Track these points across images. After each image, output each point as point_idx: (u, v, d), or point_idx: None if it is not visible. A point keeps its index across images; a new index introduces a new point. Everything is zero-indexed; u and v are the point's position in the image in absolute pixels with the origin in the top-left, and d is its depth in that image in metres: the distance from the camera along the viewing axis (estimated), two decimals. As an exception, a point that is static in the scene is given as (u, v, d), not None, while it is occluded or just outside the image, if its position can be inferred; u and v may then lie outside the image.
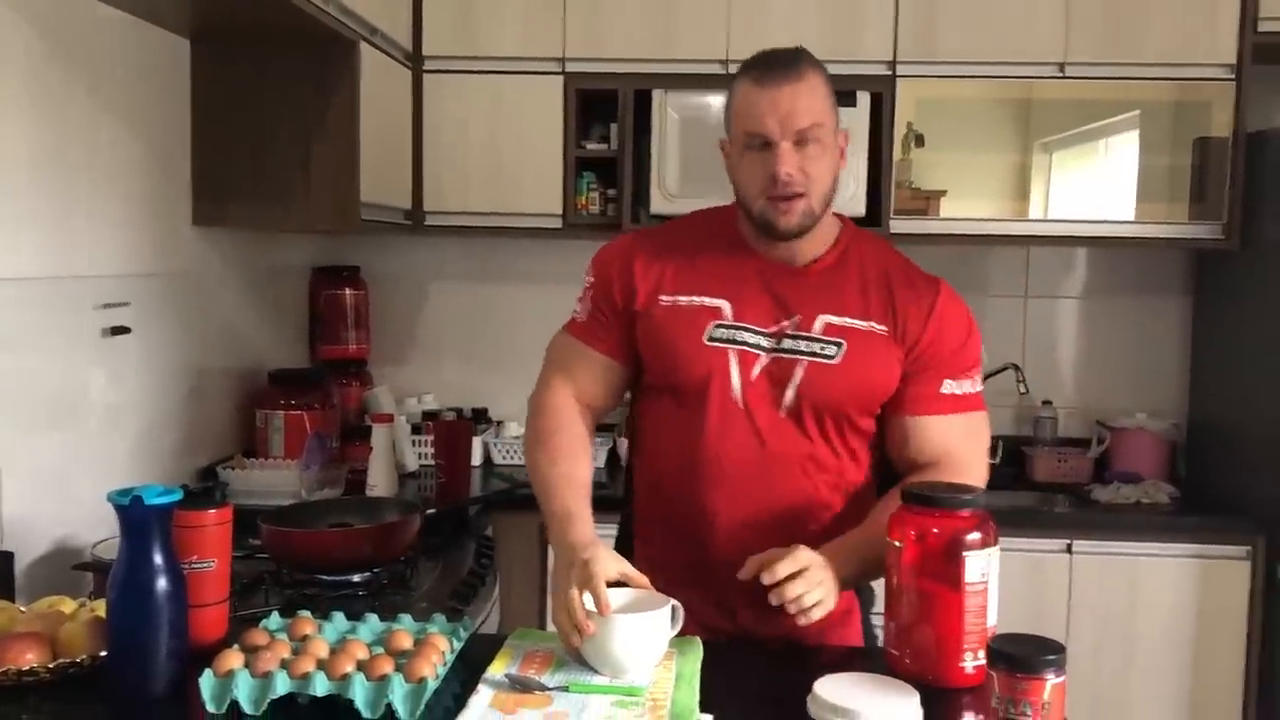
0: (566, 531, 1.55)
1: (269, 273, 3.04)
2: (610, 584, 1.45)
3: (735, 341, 1.65)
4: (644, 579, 1.49)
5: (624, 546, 1.79)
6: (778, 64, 1.61)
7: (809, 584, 1.49)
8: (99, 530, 2.05)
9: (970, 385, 1.71)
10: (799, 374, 1.64)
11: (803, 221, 1.62)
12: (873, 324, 1.66)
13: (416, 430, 3.18)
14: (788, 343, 1.65)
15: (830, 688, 1.34)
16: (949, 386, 1.68)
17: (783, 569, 1.49)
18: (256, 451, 2.81)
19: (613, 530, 1.85)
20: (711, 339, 1.65)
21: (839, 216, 1.74)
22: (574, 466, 1.66)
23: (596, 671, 1.44)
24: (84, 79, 2.12)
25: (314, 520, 2.12)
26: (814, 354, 1.64)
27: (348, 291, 3.31)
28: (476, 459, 3.17)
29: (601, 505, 1.66)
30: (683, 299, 1.68)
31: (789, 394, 1.65)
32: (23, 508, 1.92)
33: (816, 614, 1.50)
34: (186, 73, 2.52)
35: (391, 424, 2.72)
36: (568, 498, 1.60)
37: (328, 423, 2.86)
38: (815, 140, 1.59)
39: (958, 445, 1.69)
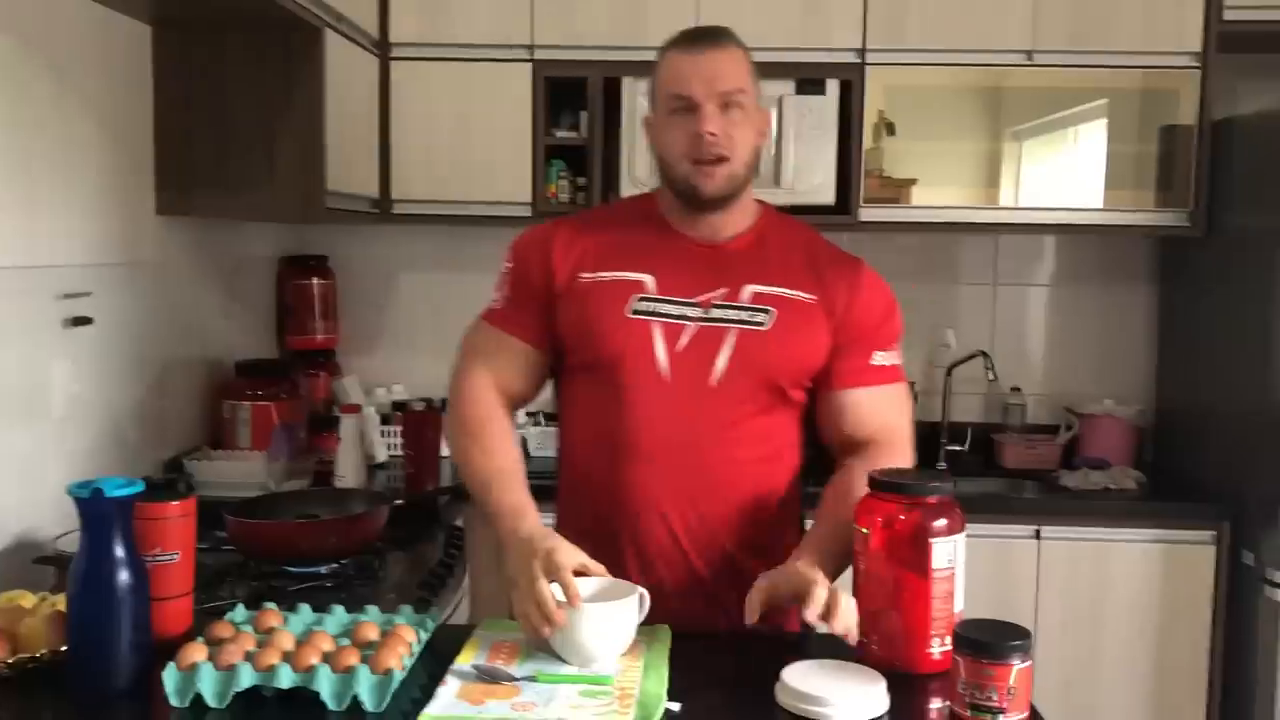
0: (520, 525, 1.53)
1: (236, 262, 3.01)
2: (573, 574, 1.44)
3: (658, 314, 1.65)
4: (601, 567, 1.49)
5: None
6: (703, 35, 1.66)
7: (848, 602, 1.45)
8: (62, 524, 2.02)
9: (896, 357, 1.74)
10: (730, 342, 1.64)
11: (726, 187, 1.64)
12: (800, 293, 1.68)
13: (386, 420, 3.16)
14: (716, 312, 1.65)
15: (798, 675, 1.34)
16: (879, 358, 1.71)
17: (821, 598, 1.43)
18: (223, 443, 2.79)
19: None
20: (635, 312, 1.65)
21: (759, 201, 1.76)
22: (510, 458, 1.65)
23: (565, 662, 1.43)
24: (44, 66, 2.08)
25: (280, 511, 2.11)
26: (744, 322, 1.65)
27: (315, 281, 3.28)
28: (445, 449, 3.14)
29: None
30: (604, 275, 1.68)
31: (720, 363, 1.64)
32: (-19, 501, 1.89)
33: (845, 627, 1.45)
34: (148, 60, 2.48)
35: (359, 414, 2.71)
36: (514, 491, 1.60)
37: (295, 413, 2.84)
38: (738, 105, 1.62)
39: (894, 419, 1.72)
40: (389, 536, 2.17)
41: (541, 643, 1.44)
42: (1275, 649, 2.68)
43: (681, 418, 1.64)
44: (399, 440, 3.03)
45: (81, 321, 2.16)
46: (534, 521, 1.55)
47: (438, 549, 2.30)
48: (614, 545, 1.65)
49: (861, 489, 1.52)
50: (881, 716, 1.31)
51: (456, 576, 2.24)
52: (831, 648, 1.47)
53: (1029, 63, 2.99)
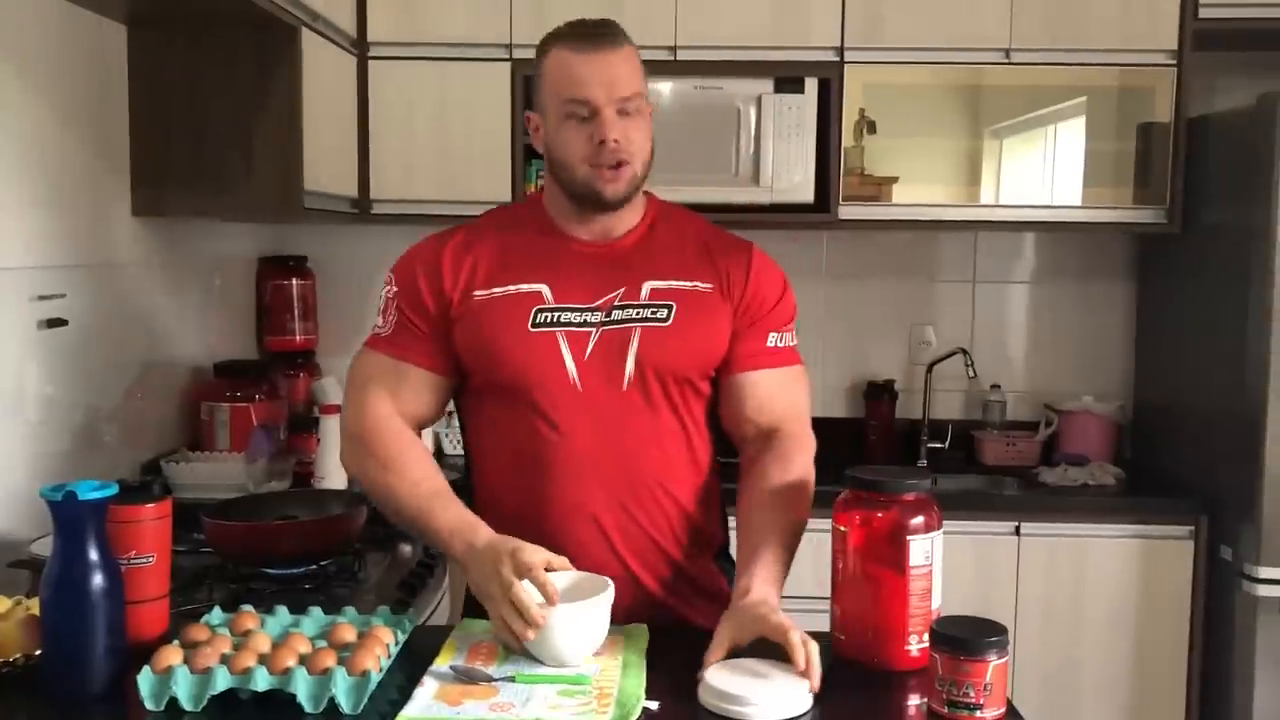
0: (474, 538, 1.50)
1: (214, 263, 2.99)
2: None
3: (561, 324, 1.62)
4: (565, 560, 1.47)
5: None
6: (596, 32, 1.60)
7: (815, 650, 1.38)
8: (39, 527, 2.01)
9: (791, 338, 1.73)
10: (634, 342, 1.62)
11: (628, 189, 1.62)
12: (697, 283, 1.66)
13: (366, 421, 3.15)
14: (617, 314, 1.63)
15: (720, 675, 1.34)
16: (774, 339, 1.70)
17: (802, 654, 1.36)
18: (202, 444, 2.77)
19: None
20: (536, 325, 1.61)
21: (645, 192, 1.72)
22: (439, 481, 1.60)
23: (541, 663, 1.42)
24: (16, 66, 2.07)
25: (259, 513, 2.10)
26: (645, 319, 1.63)
27: (294, 281, 3.26)
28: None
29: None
30: (498, 290, 1.63)
31: (629, 365, 1.62)
32: (-44, 505, 1.88)
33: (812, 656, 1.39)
34: (123, 59, 2.47)
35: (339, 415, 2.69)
36: (455, 508, 1.56)
37: (274, 414, 2.83)
38: (636, 110, 1.60)
39: (794, 400, 1.71)
40: (368, 537, 2.16)
41: (520, 648, 1.43)
42: (1253, 642, 2.70)
43: (599, 425, 1.61)
44: (379, 441, 3.02)
45: (56, 323, 2.15)
46: (487, 531, 1.51)
47: (417, 549, 2.29)
48: (533, 528, 1.60)
49: (781, 490, 1.58)
50: (803, 715, 1.30)
51: (436, 576, 2.23)
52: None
53: (1006, 61, 3.00)
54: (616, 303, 1.63)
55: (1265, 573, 2.68)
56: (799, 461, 1.65)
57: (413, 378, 1.65)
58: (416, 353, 1.65)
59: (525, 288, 1.63)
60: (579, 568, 1.52)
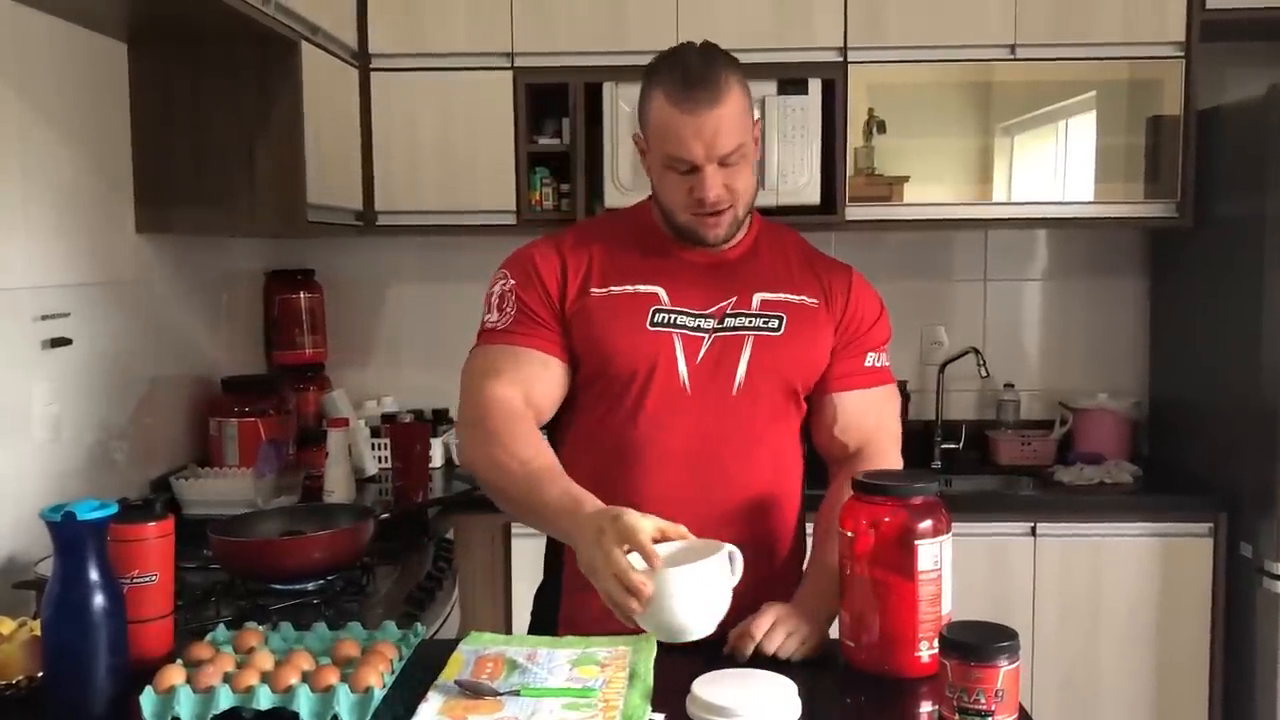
0: (579, 510, 1.42)
1: (221, 278, 3.00)
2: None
3: (677, 326, 1.62)
4: (682, 528, 1.36)
5: (556, 551, 1.75)
6: (698, 84, 1.54)
7: (784, 631, 1.48)
8: (47, 547, 2.00)
9: (886, 359, 1.74)
10: (747, 349, 1.63)
11: (729, 231, 1.63)
12: (804, 297, 1.67)
13: (376, 434, 3.15)
14: (730, 321, 1.64)
15: (707, 686, 1.32)
16: (871, 359, 1.72)
17: (756, 631, 1.48)
18: (211, 461, 2.77)
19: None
20: (654, 324, 1.62)
21: None
22: (548, 456, 1.55)
23: (661, 640, 1.36)
24: (17, 87, 2.07)
25: (266, 528, 2.09)
26: (758, 328, 1.64)
27: (303, 295, 3.26)
28: (437, 460, 3.13)
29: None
30: (615, 289, 1.63)
31: (740, 372, 1.62)
32: (-36, 526, 1.88)
33: (802, 654, 1.48)
34: (124, 77, 2.47)
35: (348, 428, 2.69)
36: (563, 483, 1.49)
37: (283, 429, 2.83)
38: (740, 158, 1.58)
39: (885, 420, 1.73)
40: (378, 550, 2.15)
41: (632, 623, 1.33)
42: (1275, 640, 2.66)
43: (702, 429, 1.62)
44: (389, 453, 3.01)
45: (61, 342, 2.14)
46: (593, 502, 1.43)
47: (427, 561, 2.28)
48: None
49: None
50: None
51: (445, 589, 2.22)
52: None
53: (1011, 57, 2.97)
54: (729, 310, 1.64)
55: (1286, 569, 2.64)
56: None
57: (534, 363, 1.63)
58: (538, 339, 1.63)
59: (643, 288, 1.63)
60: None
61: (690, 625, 1.32)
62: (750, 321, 1.64)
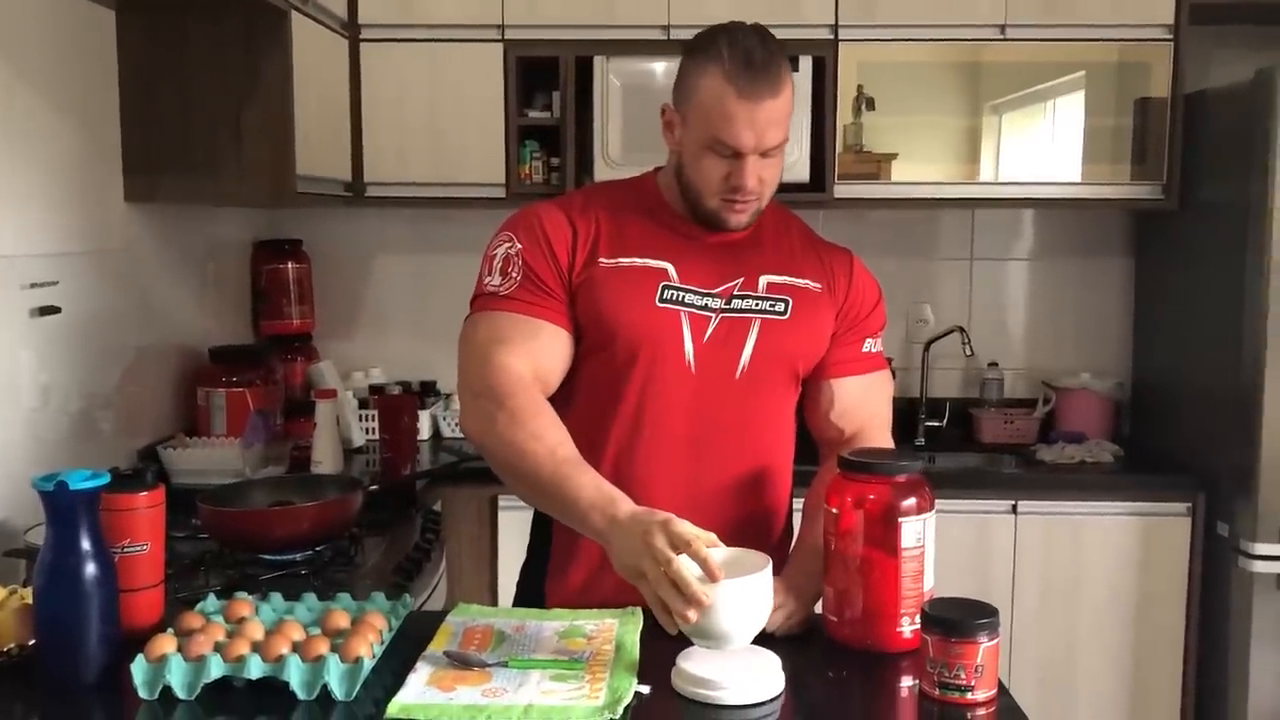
0: (616, 510, 1.39)
1: (209, 248, 2.99)
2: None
3: (685, 304, 1.61)
4: (713, 536, 1.33)
5: (542, 529, 1.75)
6: (761, 74, 1.51)
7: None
8: (35, 515, 2.01)
9: (881, 344, 1.76)
10: (754, 332, 1.63)
11: (751, 219, 1.62)
12: (808, 281, 1.68)
13: (364, 405, 3.16)
14: (737, 302, 1.63)
15: (693, 660, 1.33)
16: (868, 345, 1.73)
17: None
18: (198, 430, 2.77)
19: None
20: (662, 301, 1.60)
21: None
22: (571, 447, 1.50)
23: (705, 646, 1.33)
24: (5, 53, 2.05)
25: (255, 499, 2.10)
26: (764, 311, 1.64)
27: (290, 265, 3.26)
28: (425, 432, 3.15)
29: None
30: (624, 260, 1.60)
31: (745, 355, 1.62)
32: (-47, 493, 1.88)
33: (787, 629, 1.49)
34: (113, 45, 2.45)
35: (335, 399, 2.70)
36: (593, 478, 1.45)
37: (270, 399, 2.83)
38: (779, 150, 1.58)
39: (879, 407, 1.74)
40: (365, 521, 2.16)
41: (676, 629, 1.30)
42: (1249, 617, 2.70)
43: (703, 409, 1.61)
44: (376, 425, 3.02)
45: (49, 311, 2.14)
46: (628, 503, 1.40)
47: (414, 533, 2.30)
48: None
49: None
50: (777, 696, 1.31)
51: (434, 560, 2.24)
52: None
53: (1001, 37, 2.98)
54: (736, 292, 1.63)
55: (1262, 549, 2.68)
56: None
57: (542, 334, 1.58)
58: (548, 310, 1.59)
59: (652, 263, 1.61)
60: None
61: (736, 634, 1.32)
62: (757, 305, 1.63)
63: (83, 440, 2.31)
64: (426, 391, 3.31)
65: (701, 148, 1.56)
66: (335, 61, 2.90)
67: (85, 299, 2.31)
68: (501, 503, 2.83)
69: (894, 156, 3.05)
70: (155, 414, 2.68)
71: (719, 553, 1.34)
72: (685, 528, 1.31)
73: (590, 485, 1.43)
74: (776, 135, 1.55)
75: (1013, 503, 2.88)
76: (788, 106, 1.55)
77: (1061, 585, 2.89)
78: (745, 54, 1.52)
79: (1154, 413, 3.27)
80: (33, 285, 2.10)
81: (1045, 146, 3.08)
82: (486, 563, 2.85)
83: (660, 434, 1.61)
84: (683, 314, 1.61)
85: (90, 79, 2.38)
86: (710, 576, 1.28)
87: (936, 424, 3.34)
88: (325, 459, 2.60)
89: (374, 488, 2.22)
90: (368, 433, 3.09)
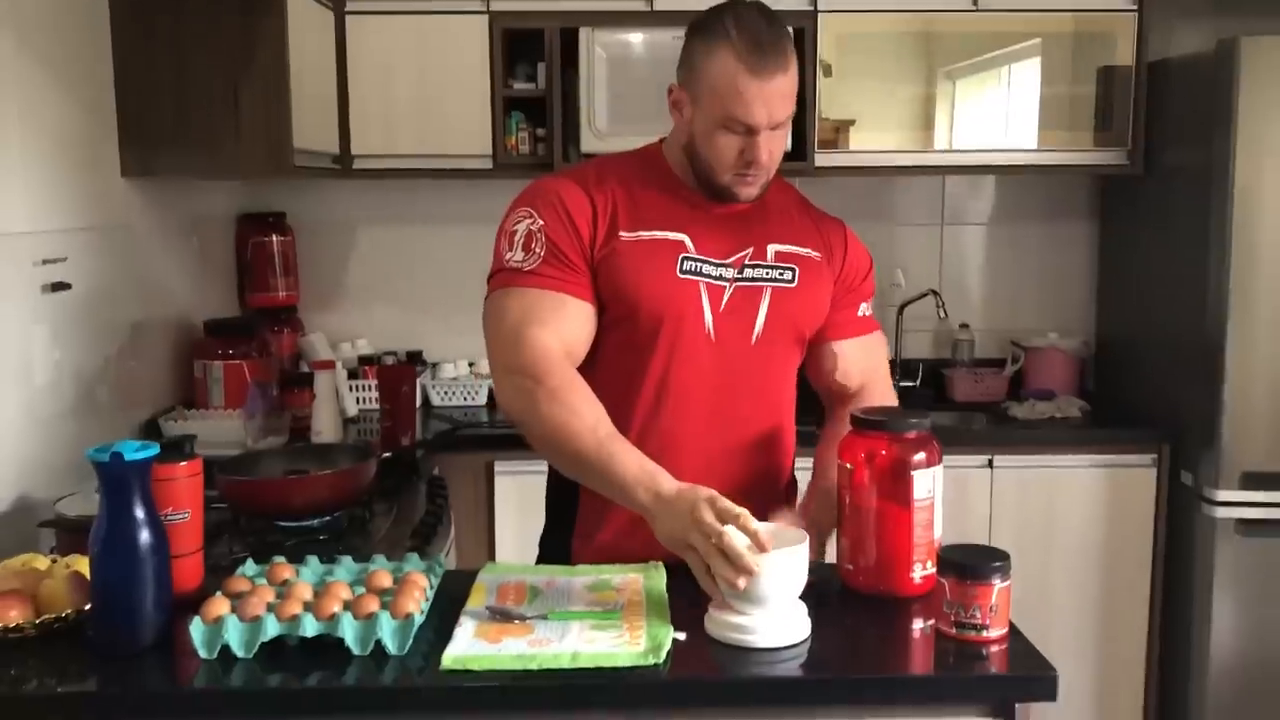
0: (659, 485, 1.47)
1: (194, 222, 3.00)
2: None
3: (702, 274, 1.68)
4: (746, 511, 1.42)
5: (565, 493, 1.79)
6: (771, 49, 1.58)
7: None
8: (50, 487, 2.05)
9: (872, 308, 1.86)
10: (766, 300, 1.71)
11: (761, 191, 1.70)
12: (810, 250, 1.76)
13: (353, 375, 3.19)
14: (749, 271, 1.71)
15: (727, 609, 1.40)
16: (863, 309, 1.84)
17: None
18: (195, 402, 2.81)
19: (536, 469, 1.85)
20: (683, 272, 1.67)
21: None
22: (609, 424, 1.56)
23: (741, 610, 1.40)
24: (7, 29, 2.06)
25: (268, 469, 2.15)
26: (774, 280, 1.72)
27: (275, 238, 3.28)
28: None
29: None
30: (644, 234, 1.66)
31: (759, 322, 1.71)
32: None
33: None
34: (106, 19, 2.46)
35: (333, 370, 2.74)
36: (636, 455, 1.53)
37: (266, 371, 2.87)
38: (787, 124, 1.65)
39: (877, 364, 1.86)
40: (374, 490, 2.22)
41: (721, 598, 1.40)
42: (1211, 561, 2.85)
43: (722, 375, 1.69)
44: (370, 395, 3.07)
45: (60, 286, 2.17)
46: (670, 479, 1.48)
47: (420, 500, 2.35)
48: None
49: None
50: (804, 640, 1.39)
51: (445, 525, 2.30)
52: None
53: (974, 8, 3.06)
54: (747, 261, 1.71)
55: (1223, 495, 2.82)
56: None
57: (569, 308, 1.63)
58: (573, 284, 1.63)
59: (670, 235, 1.67)
60: None
61: (778, 599, 1.39)
62: (767, 273, 1.72)
63: (86, 414, 2.33)
64: (412, 361, 3.36)
65: (714, 126, 1.62)
66: (322, 34, 2.91)
67: (89, 274, 2.34)
68: (498, 468, 2.90)
69: (851, 123, 3.12)
70: (153, 387, 2.71)
71: (760, 526, 1.44)
72: (730, 504, 1.40)
73: (634, 463, 1.51)
74: (786, 109, 1.62)
75: (989, 458, 3.00)
76: (794, 79, 1.62)
77: (1035, 534, 3.02)
78: (753, 33, 1.58)
79: (1118, 369, 3.40)
80: (44, 261, 2.12)
81: (1001, 113, 3.16)
82: (485, 526, 2.91)
83: (684, 400, 1.69)
84: (701, 284, 1.68)
85: (85, 53, 2.39)
86: (760, 548, 1.37)
87: (910, 384, 3.44)
88: (326, 429, 2.65)
89: (387, 455, 2.27)
90: (359, 403, 3.13)
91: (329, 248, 3.45)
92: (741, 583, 1.35)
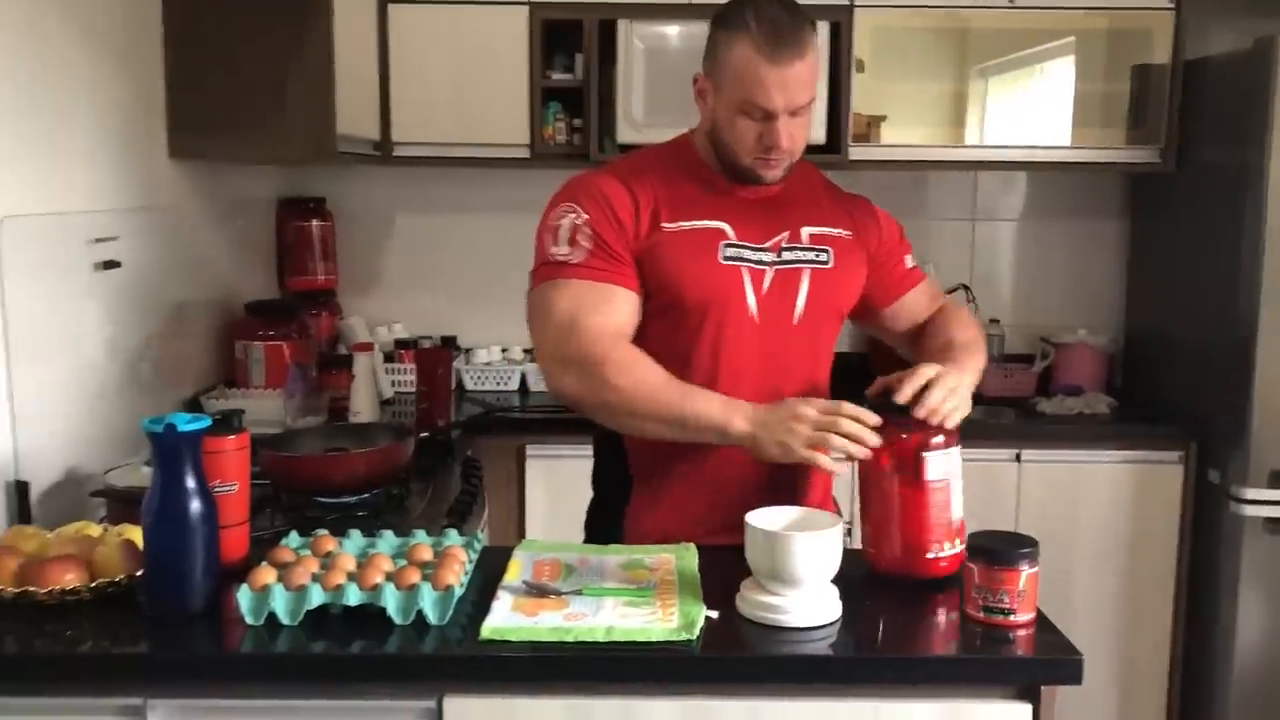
0: (752, 410, 1.59)
1: (236, 205, 3.06)
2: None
3: (744, 260, 1.74)
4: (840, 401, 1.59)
5: (618, 473, 1.84)
6: (788, 38, 1.63)
7: (944, 390, 1.59)
8: (99, 459, 2.11)
9: (914, 259, 1.96)
10: (805, 281, 1.77)
11: (785, 173, 1.75)
12: (841, 230, 1.82)
13: (389, 359, 3.25)
14: (786, 254, 1.76)
15: (758, 588, 1.45)
16: (909, 261, 1.93)
17: (910, 387, 1.59)
18: (237, 382, 2.86)
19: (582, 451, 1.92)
20: (725, 258, 1.73)
21: None
22: (668, 374, 1.63)
23: (769, 591, 1.44)
24: (59, 14, 2.12)
25: (308, 445, 2.20)
26: (811, 261, 1.77)
27: (314, 223, 3.33)
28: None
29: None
30: (685, 224, 1.72)
31: (800, 304, 1.76)
32: (32, 439, 1.97)
33: (955, 418, 1.59)
34: (158, 7, 2.52)
35: (372, 352, 2.79)
36: (717, 395, 1.63)
37: (305, 353, 2.92)
38: (807, 109, 1.70)
39: (939, 293, 1.97)
40: (410, 469, 2.26)
41: (841, 468, 1.58)
42: (1238, 560, 2.85)
43: (767, 355, 1.75)
44: (405, 377, 3.12)
45: (111, 265, 2.22)
46: (753, 404, 1.61)
47: (455, 480, 2.40)
48: (693, 463, 1.75)
49: (954, 320, 1.87)
50: (835, 620, 1.43)
51: (480, 504, 2.34)
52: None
53: (1009, 5, 3.07)
54: (784, 244, 1.76)
55: (1251, 494, 2.82)
56: (964, 311, 1.95)
57: (619, 298, 1.69)
58: (619, 275, 1.69)
59: (711, 224, 1.73)
60: (718, 479, 1.74)
61: (812, 580, 1.43)
62: (804, 255, 1.77)
63: (132, 390, 2.39)
64: (447, 345, 3.40)
65: (735, 112, 1.69)
66: (365, 22, 2.96)
67: (138, 253, 2.39)
68: (529, 452, 2.95)
69: (883, 119, 3.14)
70: (196, 366, 2.77)
71: (793, 511, 1.51)
72: (821, 401, 1.58)
73: (718, 399, 1.62)
74: (804, 95, 1.68)
75: (1016, 452, 3.02)
76: (814, 68, 1.68)
77: (1061, 529, 3.03)
78: (772, 21, 1.64)
79: (1147, 366, 3.40)
80: (97, 240, 2.18)
81: (1034, 110, 3.16)
82: (515, 508, 2.96)
83: (733, 381, 1.72)
84: (743, 269, 1.74)
85: (138, 38, 2.44)
86: (867, 424, 1.54)
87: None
88: (364, 409, 2.70)
89: (425, 435, 2.32)
90: (395, 385, 3.19)
91: (367, 233, 3.50)
92: (872, 439, 1.53)
